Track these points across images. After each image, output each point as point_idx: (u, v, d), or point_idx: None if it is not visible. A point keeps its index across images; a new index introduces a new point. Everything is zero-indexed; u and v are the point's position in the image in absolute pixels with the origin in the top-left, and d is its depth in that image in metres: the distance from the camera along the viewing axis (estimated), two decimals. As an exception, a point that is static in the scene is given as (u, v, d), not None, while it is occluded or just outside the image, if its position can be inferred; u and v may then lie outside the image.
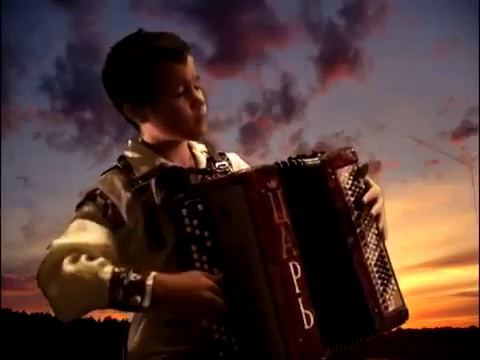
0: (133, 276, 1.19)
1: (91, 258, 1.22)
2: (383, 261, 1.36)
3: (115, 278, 1.19)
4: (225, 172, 1.44)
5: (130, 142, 1.44)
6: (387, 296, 1.34)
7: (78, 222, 1.29)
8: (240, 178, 1.23)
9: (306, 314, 1.21)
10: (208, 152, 1.48)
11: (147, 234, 1.31)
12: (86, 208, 1.31)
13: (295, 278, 1.22)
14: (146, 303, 1.19)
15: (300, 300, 1.21)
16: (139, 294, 1.18)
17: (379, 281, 1.33)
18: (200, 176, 1.38)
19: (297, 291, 1.21)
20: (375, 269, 1.33)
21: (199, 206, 1.24)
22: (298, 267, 1.23)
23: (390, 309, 1.33)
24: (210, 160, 1.46)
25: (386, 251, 1.38)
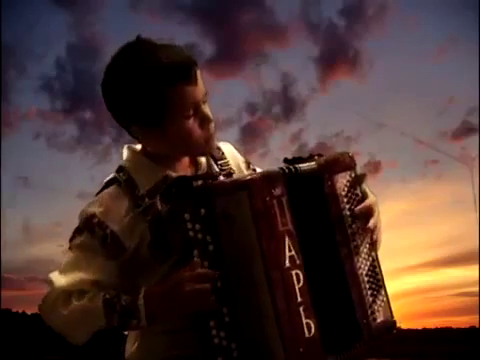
0: (124, 300, 1.22)
1: (83, 293, 1.26)
2: (374, 271, 1.35)
3: (107, 305, 1.23)
4: (229, 172, 1.43)
5: (127, 151, 1.40)
6: (376, 307, 1.33)
7: (74, 256, 1.30)
8: (245, 185, 1.22)
9: (307, 323, 1.21)
10: None
11: (153, 249, 1.29)
12: (84, 238, 1.30)
13: (297, 286, 1.21)
14: (143, 323, 1.22)
15: (302, 309, 1.21)
16: (134, 317, 1.22)
17: (369, 292, 1.33)
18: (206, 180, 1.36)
19: (299, 300, 1.21)
20: (366, 279, 1.33)
21: (202, 210, 1.23)
22: (301, 275, 1.22)
23: (378, 320, 1.33)
24: (211, 158, 1.45)
25: (378, 261, 1.37)
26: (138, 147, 1.41)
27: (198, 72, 1.31)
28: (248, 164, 1.53)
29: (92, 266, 1.28)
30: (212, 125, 1.35)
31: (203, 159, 1.45)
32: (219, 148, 1.49)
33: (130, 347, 1.39)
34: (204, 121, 1.33)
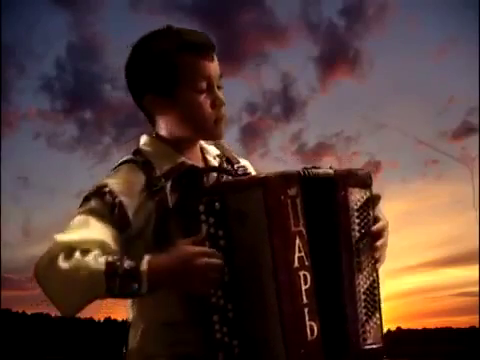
0: (127, 264, 1.19)
1: (86, 252, 1.20)
2: (373, 292, 1.33)
3: (109, 268, 1.18)
4: (246, 173, 1.42)
5: (145, 137, 1.41)
6: (368, 328, 1.31)
7: (81, 218, 1.26)
8: (261, 182, 1.22)
9: (310, 325, 1.20)
10: (222, 155, 1.46)
11: (156, 235, 1.28)
12: (93, 204, 1.27)
13: (304, 288, 1.21)
14: (143, 289, 1.19)
15: (306, 311, 1.20)
16: (135, 282, 1.18)
17: (364, 310, 1.31)
18: (221, 175, 1.36)
19: (304, 301, 1.20)
20: (363, 297, 1.31)
21: (216, 204, 1.23)
22: (308, 277, 1.22)
23: (368, 341, 1.31)
24: (226, 161, 1.44)
25: (378, 283, 1.35)
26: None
27: (215, 56, 1.36)
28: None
29: (99, 228, 1.24)
30: (224, 108, 1.37)
31: (215, 163, 1.44)
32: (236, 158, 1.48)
33: (132, 342, 1.39)
34: (216, 101, 1.35)
